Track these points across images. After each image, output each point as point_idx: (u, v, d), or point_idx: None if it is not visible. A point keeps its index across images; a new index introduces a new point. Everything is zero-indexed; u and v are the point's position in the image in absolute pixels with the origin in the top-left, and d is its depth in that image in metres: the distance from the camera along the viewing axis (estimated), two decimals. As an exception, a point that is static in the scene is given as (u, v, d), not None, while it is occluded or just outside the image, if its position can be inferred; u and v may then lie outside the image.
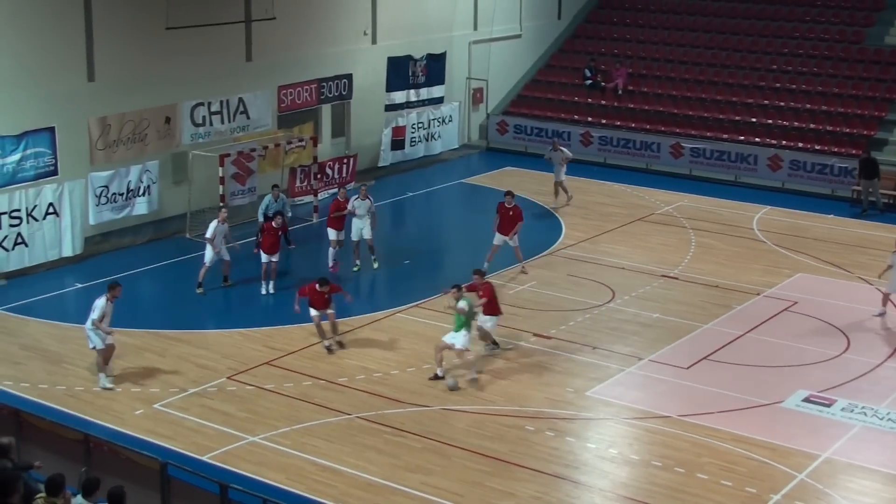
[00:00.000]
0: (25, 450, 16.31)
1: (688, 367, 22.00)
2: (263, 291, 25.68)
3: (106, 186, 28.72)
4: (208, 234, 25.59)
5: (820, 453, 18.63)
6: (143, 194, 29.73)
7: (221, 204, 28.45)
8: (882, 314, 24.73)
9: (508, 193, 27.32)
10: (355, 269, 27.07)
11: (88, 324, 20.42)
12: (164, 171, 30.52)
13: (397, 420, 19.62)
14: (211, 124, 31.93)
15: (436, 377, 21.10)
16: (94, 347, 20.53)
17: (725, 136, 37.50)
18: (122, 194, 29.18)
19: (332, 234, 27.17)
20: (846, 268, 28.02)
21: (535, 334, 23.50)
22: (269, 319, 24.34)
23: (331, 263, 27.02)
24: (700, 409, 20.12)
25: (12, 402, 18.72)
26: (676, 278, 27.21)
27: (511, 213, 26.75)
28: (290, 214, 29.03)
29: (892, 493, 17.57)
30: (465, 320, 20.92)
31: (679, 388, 21.20)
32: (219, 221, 25.61)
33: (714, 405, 20.30)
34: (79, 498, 13.36)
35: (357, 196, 27.44)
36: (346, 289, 23.89)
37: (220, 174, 29.64)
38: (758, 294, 26.09)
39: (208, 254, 25.54)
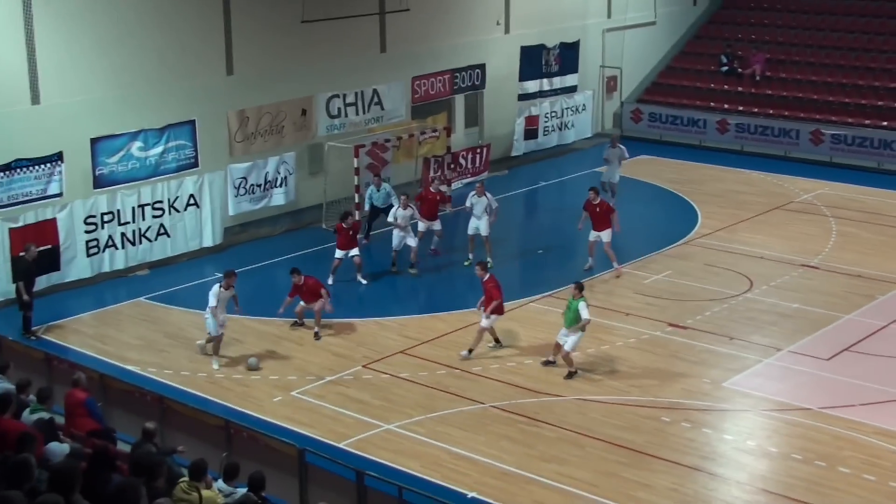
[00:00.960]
0: (169, 435, 16.78)
1: (829, 359, 21.53)
2: (330, 282, 25.24)
3: (244, 178, 29.26)
4: (389, 219, 26.48)
5: (969, 448, 18.12)
6: (280, 185, 30.20)
7: (404, 195, 27.67)
8: None
9: (593, 189, 26.69)
10: (466, 263, 26.94)
11: (207, 310, 21.22)
12: (301, 162, 30.95)
13: (531, 409, 19.61)
14: (346, 116, 32.28)
15: (547, 362, 21.23)
16: (209, 333, 21.30)
17: (868, 121, 36.50)
18: (259, 185, 29.70)
19: (421, 225, 27.08)
20: None
21: (670, 324, 23.23)
22: (403, 309, 24.55)
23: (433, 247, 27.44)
24: (842, 402, 19.67)
25: (157, 388, 19.30)
26: (817, 268, 26.62)
27: (598, 209, 26.07)
28: (395, 205, 29.01)
29: None
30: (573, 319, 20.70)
31: (820, 379, 20.76)
32: (400, 206, 26.28)
33: (856, 398, 19.83)
34: (220, 482, 13.67)
35: (473, 192, 27.43)
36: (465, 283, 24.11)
37: (355, 165, 29.96)
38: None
39: (395, 238, 26.36)
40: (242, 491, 13.38)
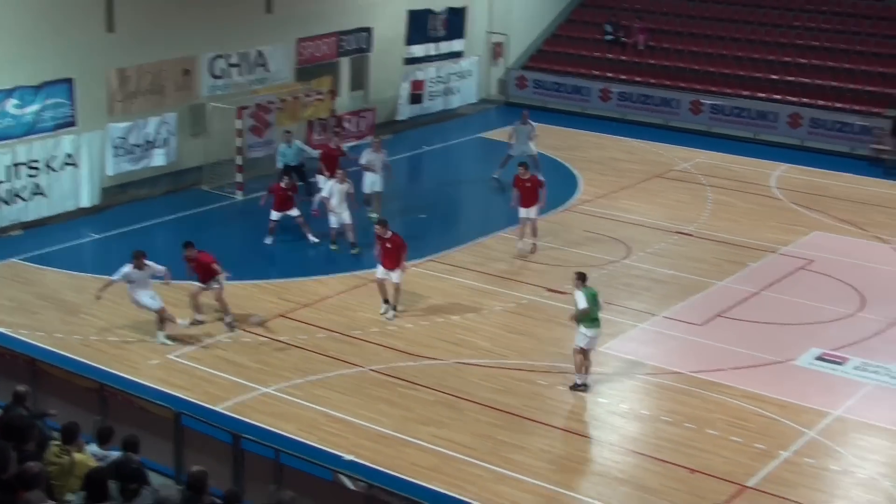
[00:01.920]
0: (40, 398, 16.44)
1: (701, 324, 22.02)
2: (269, 242, 25.65)
3: (124, 138, 28.71)
4: (324, 194, 25.40)
5: (831, 411, 18.69)
6: (161, 146, 29.69)
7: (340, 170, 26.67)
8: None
9: (522, 165, 26.18)
10: (373, 217, 26.66)
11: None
12: (182, 122, 30.44)
13: (410, 373, 19.71)
14: (230, 77, 31.85)
15: (575, 386, 19.34)
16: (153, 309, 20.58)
17: (745, 92, 37.25)
18: (139, 146, 29.18)
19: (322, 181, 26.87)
20: (863, 226, 27.90)
21: (548, 289, 23.48)
22: (283, 272, 24.41)
23: (314, 207, 26.56)
24: (712, 366, 20.16)
25: (28, 350, 18.85)
26: (692, 235, 27.16)
27: (528, 184, 25.45)
28: (309, 154, 28.84)
29: (901, 452, 17.67)
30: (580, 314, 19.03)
31: (691, 344, 21.23)
32: (337, 181, 25.15)
33: (726, 362, 20.33)
34: (93, 446, 13.47)
35: (370, 149, 27.58)
36: (359, 241, 24.07)
37: (238, 127, 29.61)
38: (773, 252, 26.05)
39: (331, 217, 25.19)
40: (116, 454, 13.22)
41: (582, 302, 19.00)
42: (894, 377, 19.91)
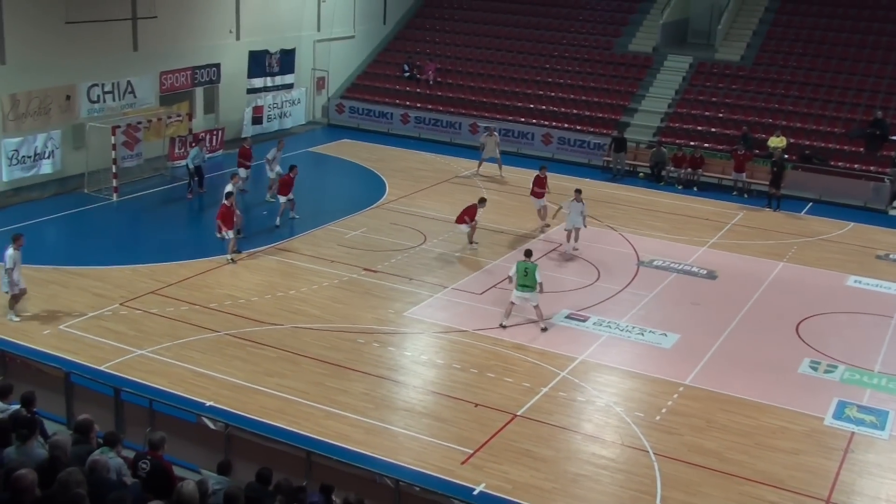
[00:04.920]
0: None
1: (481, 293, 22.35)
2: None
3: (17, 150, 27.30)
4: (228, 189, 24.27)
5: (577, 356, 19.25)
6: (48, 157, 28.31)
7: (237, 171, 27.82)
8: (574, 249, 25.36)
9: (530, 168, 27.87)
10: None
11: (2, 271, 19.25)
12: (66, 138, 29.04)
13: (257, 336, 19.39)
14: (104, 101, 30.51)
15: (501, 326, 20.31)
16: (6, 292, 19.22)
17: (511, 117, 37.91)
18: (30, 157, 27.78)
19: (242, 172, 28.35)
20: (598, 218, 28.66)
21: (364, 269, 23.47)
22: (155, 257, 23.60)
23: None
24: (489, 325, 20.50)
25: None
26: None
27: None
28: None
29: (627, 384, 18.34)
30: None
31: (474, 309, 21.49)
32: (232, 183, 24.62)
33: (499, 322, 20.68)
34: (-4, 402, 12.78)
35: (275, 149, 28.96)
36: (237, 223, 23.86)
37: (112, 142, 28.41)
38: (535, 238, 26.62)
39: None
40: (16, 407, 12.57)
41: (512, 270, 20.48)
42: (622, 330, 20.70)
